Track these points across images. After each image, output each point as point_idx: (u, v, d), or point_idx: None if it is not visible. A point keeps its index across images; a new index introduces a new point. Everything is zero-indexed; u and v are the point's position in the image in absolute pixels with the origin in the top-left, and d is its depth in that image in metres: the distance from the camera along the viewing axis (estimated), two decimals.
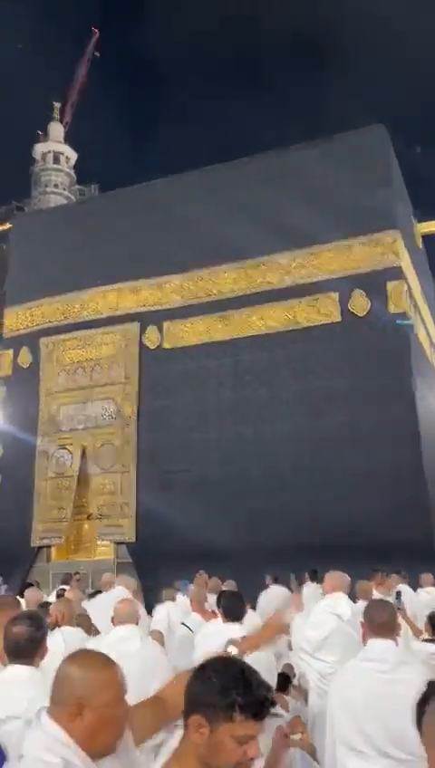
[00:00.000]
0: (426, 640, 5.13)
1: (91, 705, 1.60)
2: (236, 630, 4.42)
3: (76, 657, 1.76)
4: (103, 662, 1.71)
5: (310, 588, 8.73)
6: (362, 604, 5.37)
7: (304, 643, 5.29)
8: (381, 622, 3.25)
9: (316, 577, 8.98)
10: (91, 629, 5.71)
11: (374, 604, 3.60)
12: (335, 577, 5.58)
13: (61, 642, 4.70)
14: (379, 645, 3.18)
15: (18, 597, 6.21)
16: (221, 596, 4.76)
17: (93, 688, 1.63)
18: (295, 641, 5.59)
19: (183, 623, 6.25)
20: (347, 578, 5.58)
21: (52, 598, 8.14)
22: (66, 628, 4.94)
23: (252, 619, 5.92)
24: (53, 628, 5.12)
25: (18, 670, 2.94)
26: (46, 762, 1.59)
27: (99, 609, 6.10)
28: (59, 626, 4.98)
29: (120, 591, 6.46)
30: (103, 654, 1.80)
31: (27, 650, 2.96)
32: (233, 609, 4.45)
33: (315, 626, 5.19)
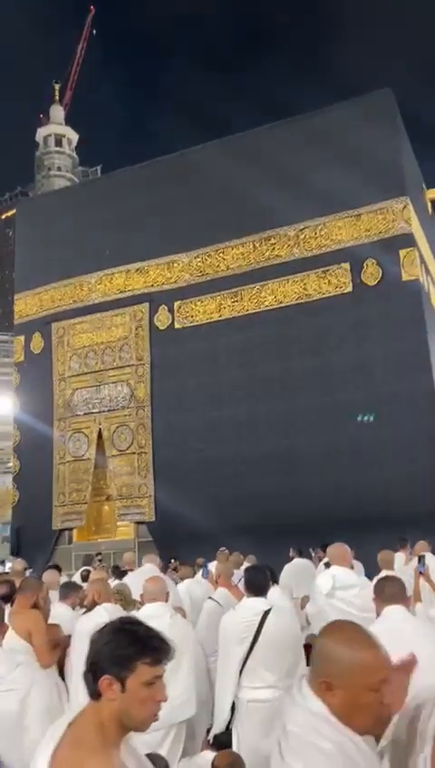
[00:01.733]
0: None
1: (356, 685, 1.58)
2: (260, 604, 4.47)
3: (341, 632, 1.70)
4: (372, 643, 1.66)
5: (300, 567, 8.97)
6: (345, 574, 5.55)
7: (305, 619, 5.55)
8: (391, 593, 3.37)
9: None
10: (133, 603, 5.78)
11: (383, 579, 3.73)
12: (333, 549, 5.78)
13: (106, 616, 4.81)
14: (392, 609, 3.29)
15: (41, 579, 6.30)
16: (245, 571, 4.79)
17: (358, 668, 1.59)
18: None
19: (211, 597, 6.30)
20: (343, 548, 5.70)
21: (76, 578, 8.26)
22: (107, 605, 5.04)
23: (280, 594, 6.01)
24: (91, 607, 5.21)
25: None
26: (319, 747, 1.56)
27: (131, 585, 6.19)
28: (98, 604, 5.07)
29: (150, 569, 6.55)
30: (371, 633, 1.74)
31: None
32: (256, 583, 4.47)
33: (311, 603, 5.39)
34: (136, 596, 5.14)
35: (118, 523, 15.83)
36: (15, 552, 16.09)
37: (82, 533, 15.98)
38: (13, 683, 4.67)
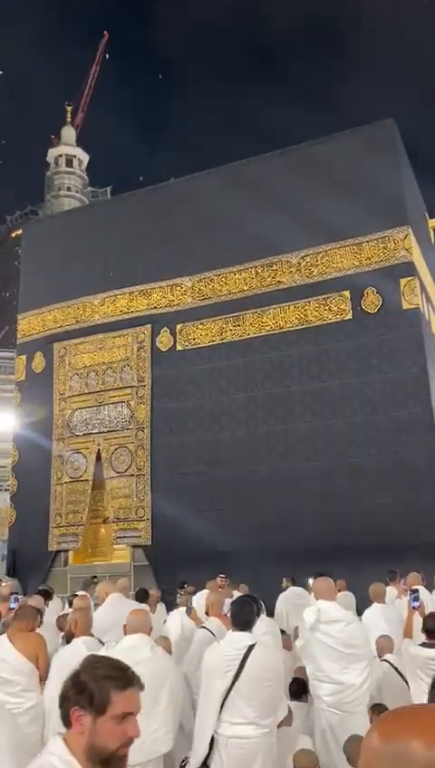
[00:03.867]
0: (423, 644, 5.14)
1: None
2: (244, 638, 4.44)
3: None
4: None
5: (293, 596, 8.94)
6: (330, 608, 5.53)
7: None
8: None
9: None
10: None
11: None
12: (317, 584, 5.81)
13: (84, 649, 4.78)
14: None
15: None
16: (231, 604, 4.77)
17: None
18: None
19: (203, 626, 6.27)
20: (328, 583, 5.72)
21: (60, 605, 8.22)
22: (86, 638, 5.01)
23: (268, 626, 5.98)
24: (69, 639, 5.19)
25: None
26: None
27: (104, 616, 6.17)
28: (74, 636, 5.03)
29: (117, 599, 6.53)
30: None
31: None
32: (241, 617, 4.46)
33: (299, 636, 5.36)
34: (113, 625, 5.12)
35: (114, 546, 15.76)
36: (11, 572, 16.00)
37: (78, 556, 15.91)
38: None
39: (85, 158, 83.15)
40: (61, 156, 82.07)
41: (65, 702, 1.72)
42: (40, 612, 5.72)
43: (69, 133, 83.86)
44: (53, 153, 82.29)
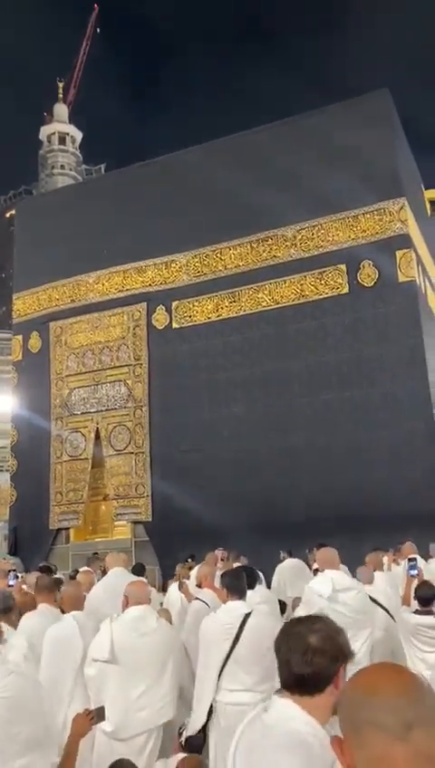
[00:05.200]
0: (416, 612, 5.20)
1: None
2: (240, 607, 4.49)
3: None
4: None
5: (291, 567, 9.02)
6: (341, 577, 5.57)
7: None
8: None
9: None
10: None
11: None
12: (322, 554, 5.80)
13: (74, 625, 4.82)
14: None
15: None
16: (224, 574, 4.81)
17: None
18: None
19: (197, 597, 6.34)
20: (333, 553, 5.72)
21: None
22: (76, 613, 5.04)
23: (263, 596, 6.04)
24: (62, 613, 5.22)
25: None
26: None
27: (105, 590, 6.22)
28: (64, 611, 5.06)
29: (121, 572, 6.58)
30: None
31: None
32: (234, 586, 4.50)
33: (305, 605, 5.32)
34: (109, 600, 5.16)
35: (115, 523, 15.87)
36: (13, 551, 16.15)
37: (79, 533, 16.03)
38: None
39: (78, 135, 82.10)
40: (53, 134, 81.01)
41: (334, 662, 1.76)
42: (59, 581, 5.78)
43: (61, 110, 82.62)
44: (45, 131, 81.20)
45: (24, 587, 7.07)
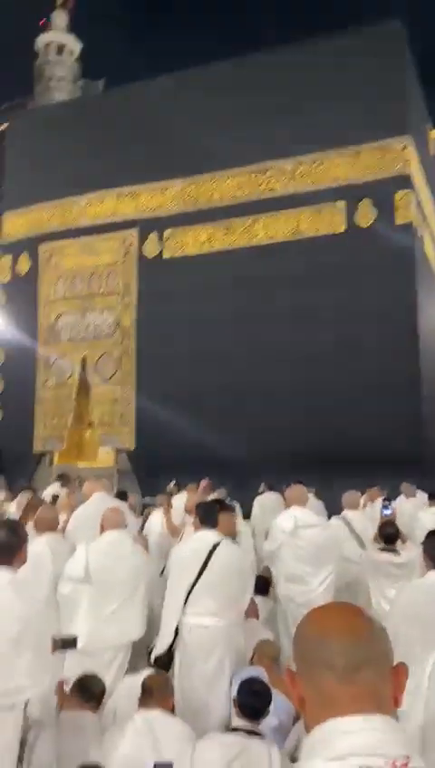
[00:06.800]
0: (382, 549, 5.41)
1: None
2: (211, 536, 4.66)
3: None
4: None
5: (268, 500, 9.32)
6: (305, 514, 5.73)
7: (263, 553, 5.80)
8: None
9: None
10: None
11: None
12: (290, 491, 6.01)
13: (47, 549, 4.96)
14: None
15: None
16: (198, 506, 4.95)
17: None
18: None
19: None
20: (301, 491, 5.90)
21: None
22: (50, 535, 5.15)
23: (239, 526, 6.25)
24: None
25: None
26: None
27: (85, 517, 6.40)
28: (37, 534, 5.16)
29: (103, 497, 6.73)
30: None
31: (5, 555, 3.13)
32: (207, 516, 4.66)
33: (269, 538, 5.54)
34: (95, 523, 5.30)
35: (99, 450, 16.07)
36: None
37: (63, 457, 16.22)
38: None
39: (78, 46, 77.85)
40: (50, 43, 76.62)
41: None
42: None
43: (60, 18, 77.82)
44: (41, 40, 76.58)
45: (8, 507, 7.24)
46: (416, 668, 3.21)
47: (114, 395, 15.34)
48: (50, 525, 5.19)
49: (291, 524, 5.66)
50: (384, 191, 13.12)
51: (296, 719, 3.86)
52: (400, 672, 1.17)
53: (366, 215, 13.27)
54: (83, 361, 15.76)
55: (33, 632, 2.98)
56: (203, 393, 14.04)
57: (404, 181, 13.09)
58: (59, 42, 77.07)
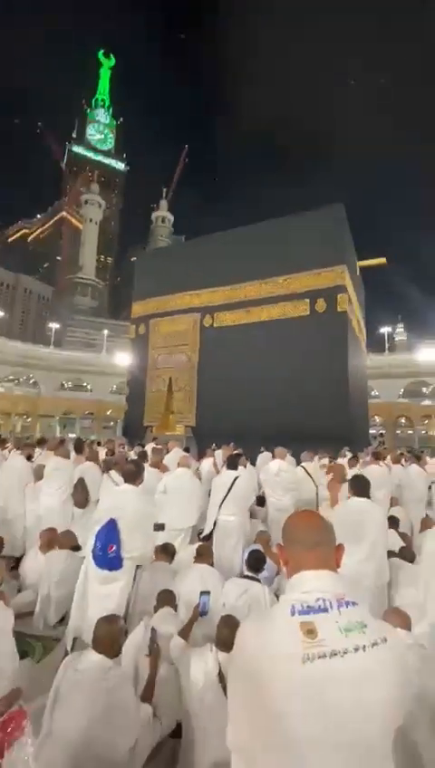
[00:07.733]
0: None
1: None
2: (234, 472, 4.58)
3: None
4: None
5: (265, 456, 9.00)
6: (284, 464, 5.50)
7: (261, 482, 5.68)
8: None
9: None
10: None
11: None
12: (278, 451, 5.86)
13: (152, 476, 4.92)
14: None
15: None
16: (228, 457, 4.92)
17: None
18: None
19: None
20: (283, 451, 5.74)
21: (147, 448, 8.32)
22: (150, 470, 5.11)
23: (246, 469, 6.12)
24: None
25: (128, 488, 3.05)
26: None
27: (168, 461, 6.41)
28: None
29: (178, 450, 6.72)
30: None
31: (133, 477, 3.09)
32: (231, 463, 4.61)
33: (263, 473, 5.42)
34: (173, 465, 5.25)
35: (177, 426, 16.10)
36: (124, 433, 16.59)
37: (158, 429, 16.23)
38: None
39: (171, 218, 79.85)
40: (158, 217, 79.06)
41: None
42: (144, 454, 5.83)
43: (163, 204, 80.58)
44: (154, 215, 79.26)
45: (131, 453, 7.19)
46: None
47: (185, 398, 15.42)
48: (155, 465, 5.22)
49: (275, 469, 5.55)
50: (331, 294, 12.94)
51: (277, 574, 3.70)
52: (339, 549, 1.12)
53: (321, 306, 13.11)
54: (169, 380, 15.89)
55: (144, 519, 2.93)
56: (232, 398, 13.95)
57: (342, 288, 12.90)
58: (162, 215, 79.21)
